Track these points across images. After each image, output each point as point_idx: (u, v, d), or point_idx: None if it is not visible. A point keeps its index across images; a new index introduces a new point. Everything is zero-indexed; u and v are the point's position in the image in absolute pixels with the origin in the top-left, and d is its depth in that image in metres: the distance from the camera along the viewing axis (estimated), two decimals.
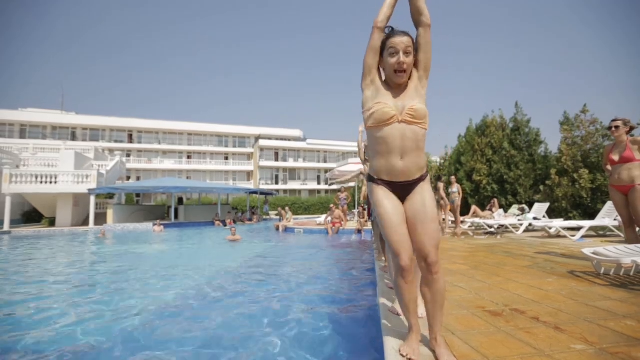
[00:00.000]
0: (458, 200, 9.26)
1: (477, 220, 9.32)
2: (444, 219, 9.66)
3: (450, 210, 10.67)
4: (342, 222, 11.82)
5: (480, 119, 13.49)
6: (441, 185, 9.27)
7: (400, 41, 1.67)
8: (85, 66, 77.23)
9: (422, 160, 1.74)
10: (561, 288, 2.99)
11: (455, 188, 9.37)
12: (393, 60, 1.68)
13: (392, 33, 1.70)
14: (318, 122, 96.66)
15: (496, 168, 11.96)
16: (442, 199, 9.12)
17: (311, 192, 44.55)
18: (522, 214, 8.57)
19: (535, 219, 8.21)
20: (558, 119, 10.25)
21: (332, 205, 12.03)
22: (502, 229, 8.53)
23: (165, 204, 27.91)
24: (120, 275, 5.37)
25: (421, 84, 1.72)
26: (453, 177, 9.51)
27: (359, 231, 11.01)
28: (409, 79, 1.72)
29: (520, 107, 12.04)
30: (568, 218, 9.16)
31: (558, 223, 6.80)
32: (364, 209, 12.40)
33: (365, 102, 1.74)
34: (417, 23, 1.70)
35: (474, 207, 10.38)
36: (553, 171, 9.79)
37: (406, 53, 1.67)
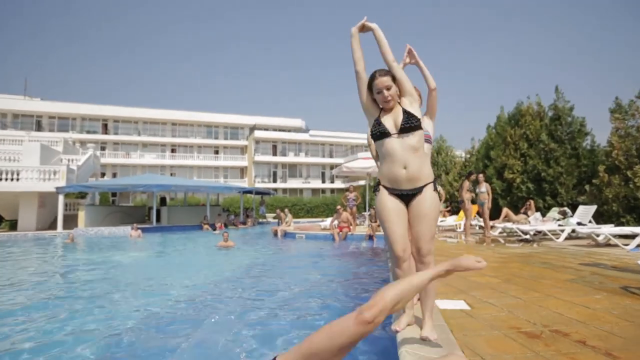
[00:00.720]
0: (487, 202, 9.18)
1: (509, 225, 9.23)
2: (469, 225, 9.57)
3: (478, 214, 10.56)
4: (351, 227, 11.80)
5: (513, 106, 13.38)
6: (466, 184, 9.17)
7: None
8: (53, 48, 77.96)
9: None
10: (612, 306, 2.93)
11: (484, 187, 9.27)
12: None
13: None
14: (322, 110, 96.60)
15: (532, 164, 11.84)
16: (464, 201, 9.02)
17: (314, 191, 44.55)
18: (564, 219, 8.48)
19: (579, 224, 8.11)
20: (608, 106, 10.11)
21: (339, 207, 12.00)
22: (539, 235, 8.44)
23: (146, 204, 28.04)
24: (88, 291, 5.37)
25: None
26: (481, 175, 9.41)
27: (371, 237, 10.97)
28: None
29: (561, 92, 11.90)
30: (620, 223, 9.04)
31: (607, 229, 6.70)
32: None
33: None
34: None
35: (505, 210, 10.28)
36: (601, 168, 9.66)
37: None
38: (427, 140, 2.78)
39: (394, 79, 2.31)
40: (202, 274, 6.42)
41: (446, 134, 49.33)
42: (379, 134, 2.28)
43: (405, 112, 2.26)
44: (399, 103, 2.33)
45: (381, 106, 2.34)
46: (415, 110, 2.29)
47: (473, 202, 9.70)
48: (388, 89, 2.28)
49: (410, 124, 2.23)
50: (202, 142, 43.80)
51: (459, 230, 11.97)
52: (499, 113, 14.10)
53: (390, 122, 2.28)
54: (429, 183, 2.31)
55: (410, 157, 2.23)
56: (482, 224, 10.66)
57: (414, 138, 2.24)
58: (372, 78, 2.32)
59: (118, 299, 4.77)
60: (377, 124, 2.30)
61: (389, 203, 2.31)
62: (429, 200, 2.29)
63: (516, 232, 9.03)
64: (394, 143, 2.25)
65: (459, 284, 3.82)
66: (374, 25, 2.37)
